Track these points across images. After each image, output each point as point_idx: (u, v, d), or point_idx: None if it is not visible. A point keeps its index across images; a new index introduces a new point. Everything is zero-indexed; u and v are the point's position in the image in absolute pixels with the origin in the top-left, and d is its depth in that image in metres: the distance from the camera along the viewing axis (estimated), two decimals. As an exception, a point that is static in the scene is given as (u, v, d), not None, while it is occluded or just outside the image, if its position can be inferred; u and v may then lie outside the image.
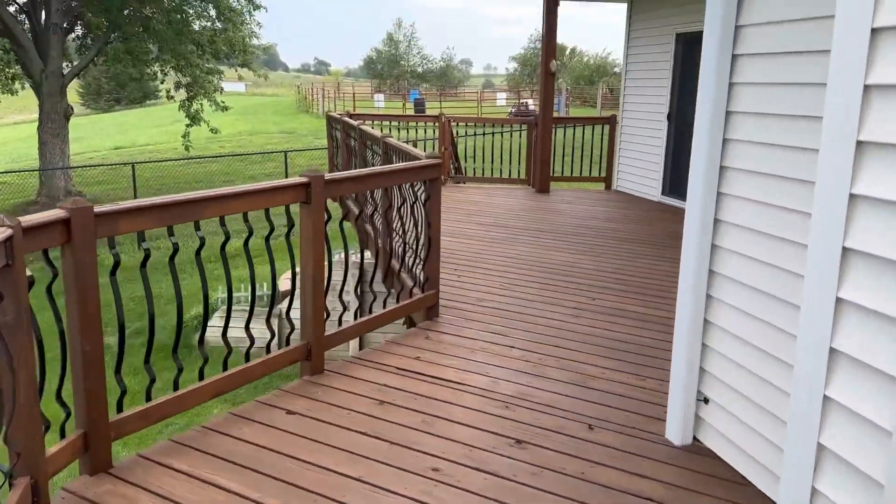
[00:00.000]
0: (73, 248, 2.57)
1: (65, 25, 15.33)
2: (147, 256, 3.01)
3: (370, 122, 10.83)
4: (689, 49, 8.89)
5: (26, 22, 15.59)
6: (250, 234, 3.41)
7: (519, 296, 5.25)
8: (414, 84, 60.51)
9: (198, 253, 3.17)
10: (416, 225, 4.77)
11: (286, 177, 16.49)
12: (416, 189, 4.75)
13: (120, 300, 2.87)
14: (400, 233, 5.23)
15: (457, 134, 11.22)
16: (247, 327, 3.59)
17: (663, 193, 9.39)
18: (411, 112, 38.08)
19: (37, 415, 2.36)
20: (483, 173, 11.01)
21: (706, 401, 3.10)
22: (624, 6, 10.16)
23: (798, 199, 2.52)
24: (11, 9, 15.46)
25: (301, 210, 3.58)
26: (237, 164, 22.47)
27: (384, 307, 4.37)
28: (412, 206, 4.66)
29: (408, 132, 10.65)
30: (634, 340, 4.40)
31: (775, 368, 2.65)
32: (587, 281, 5.66)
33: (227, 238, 3.33)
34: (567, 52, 61.46)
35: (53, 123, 15.72)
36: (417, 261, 4.77)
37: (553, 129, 10.17)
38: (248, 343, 3.56)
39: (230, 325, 3.53)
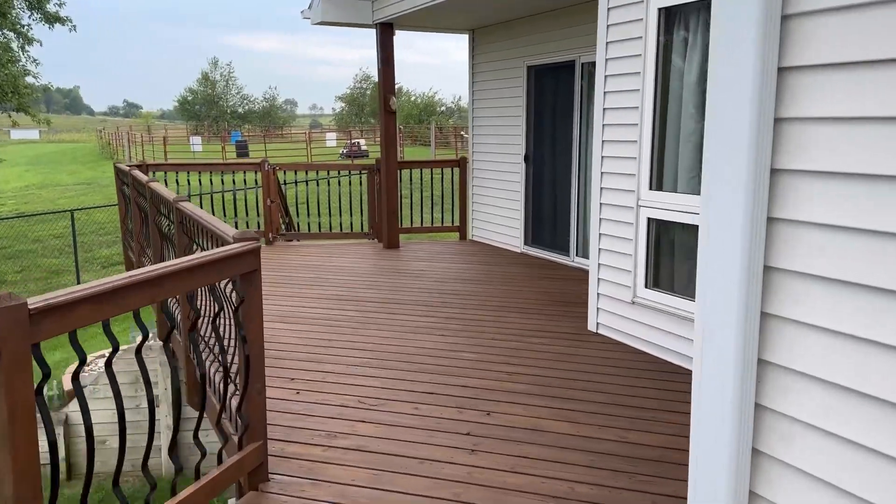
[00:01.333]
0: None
1: None
2: None
3: (175, 171, 8.89)
4: (543, 82, 7.99)
5: None
6: None
7: (388, 420, 3.74)
8: (235, 125, 57.32)
9: None
10: (227, 340, 3.14)
11: (74, 240, 13.71)
12: (224, 288, 3.12)
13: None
14: (215, 352, 3.55)
15: (284, 182, 9.56)
16: None
17: (526, 244, 8.35)
18: (233, 156, 35.45)
19: None
20: (320, 228, 9.42)
21: None
22: (465, 38, 9.16)
23: None
24: None
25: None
26: (21, 225, 18.93)
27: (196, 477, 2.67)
28: (215, 317, 3.02)
29: (223, 182, 8.85)
30: (575, 494, 3.05)
31: None
32: (475, 381, 4.27)
33: None
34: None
35: None
36: (236, 392, 3.13)
37: (398, 174, 8.85)
38: None
39: None
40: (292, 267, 7.58)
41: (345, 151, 34.06)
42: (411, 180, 9.14)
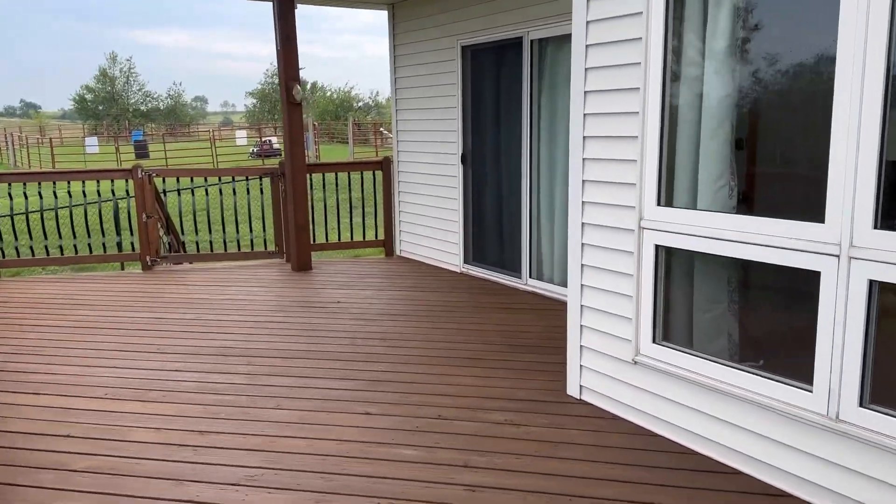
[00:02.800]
0: None
1: None
2: None
3: (21, 182, 6.99)
4: (481, 66, 6.57)
5: None
6: None
7: None
8: (137, 124, 53.53)
9: None
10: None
11: None
12: None
13: None
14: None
15: (164, 191, 7.76)
16: None
17: (466, 262, 6.92)
18: (131, 157, 32.53)
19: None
20: (212, 247, 7.67)
21: None
22: (384, 19, 7.63)
23: None
24: None
25: None
26: None
27: None
28: None
29: (84, 194, 6.96)
30: None
31: None
32: (416, 506, 2.78)
33: None
34: (308, 87, 59.12)
35: None
36: None
37: (308, 180, 7.24)
38: None
39: None
40: (170, 302, 5.86)
41: (255, 150, 31.85)
42: (324, 185, 7.55)
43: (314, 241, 7.60)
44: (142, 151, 32.86)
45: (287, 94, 6.87)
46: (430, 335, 4.94)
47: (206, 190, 7.30)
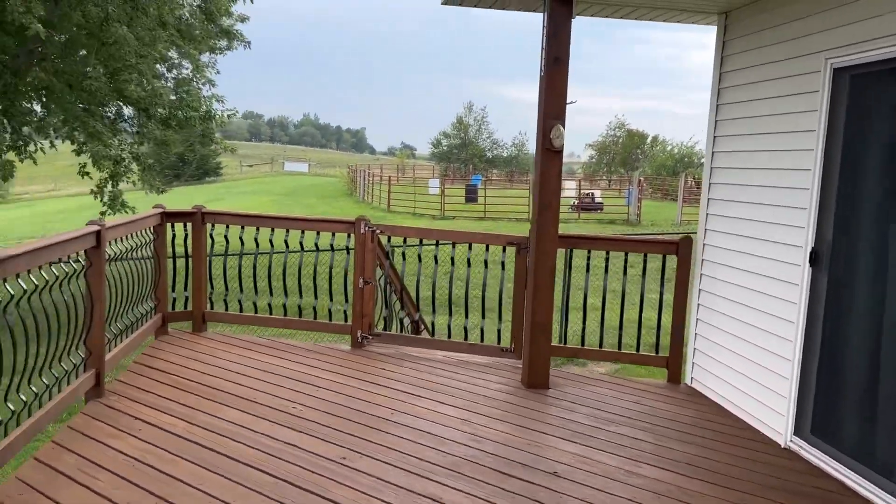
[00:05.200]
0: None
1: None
2: None
3: (240, 225, 6.09)
4: (867, 101, 3.73)
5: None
6: None
7: None
8: (482, 169, 56.69)
9: None
10: None
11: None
12: None
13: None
14: None
15: (390, 248, 6.22)
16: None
17: (799, 432, 4.02)
18: (461, 201, 33.59)
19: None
20: (433, 329, 5.89)
21: None
22: (712, 32, 5.16)
23: None
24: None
25: None
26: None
27: None
28: None
29: (301, 245, 5.76)
30: None
31: None
32: None
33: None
34: (649, 140, 56.64)
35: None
36: None
37: (568, 256, 5.05)
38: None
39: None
40: (372, 398, 4.16)
41: (575, 203, 30.44)
42: (589, 265, 5.31)
43: (563, 340, 5.36)
44: (472, 196, 33.77)
45: (544, 136, 4.82)
46: None
47: (436, 256, 5.59)
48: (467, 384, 4.92)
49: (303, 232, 5.92)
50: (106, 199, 12.07)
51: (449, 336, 5.82)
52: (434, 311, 5.81)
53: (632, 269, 5.46)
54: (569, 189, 41.04)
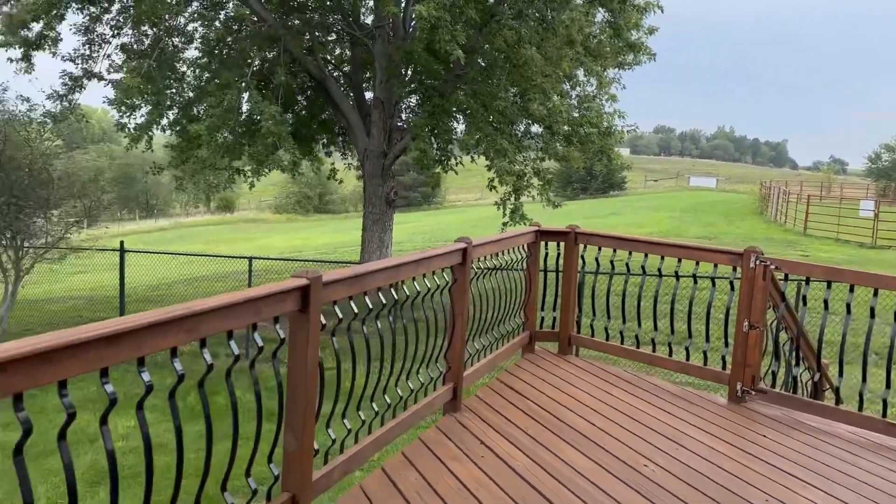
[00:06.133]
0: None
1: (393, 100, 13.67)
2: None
3: (612, 248, 5.74)
4: None
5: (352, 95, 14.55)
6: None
7: None
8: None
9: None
10: None
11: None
12: None
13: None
14: None
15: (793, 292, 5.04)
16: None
17: None
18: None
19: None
20: (862, 400, 4.64)
21: None
22: None
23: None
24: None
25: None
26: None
27: None
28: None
29: (677, 276, 5.06)
30: None
31: None
32: None
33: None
34: None
35: (374, 208, 14.24)
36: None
37: None
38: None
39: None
40: (757, 471, 3.51)
41: None
42: None
43: None
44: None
45: None
46: None
47: (848, 305, 4.36)
48: (880, 480, 3.72)
49: (679, 260, 5.28)
50: (507, 210, 12.94)
51: (860, 408, 4.53)
52: (841, 371, 4.58)
53: None
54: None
